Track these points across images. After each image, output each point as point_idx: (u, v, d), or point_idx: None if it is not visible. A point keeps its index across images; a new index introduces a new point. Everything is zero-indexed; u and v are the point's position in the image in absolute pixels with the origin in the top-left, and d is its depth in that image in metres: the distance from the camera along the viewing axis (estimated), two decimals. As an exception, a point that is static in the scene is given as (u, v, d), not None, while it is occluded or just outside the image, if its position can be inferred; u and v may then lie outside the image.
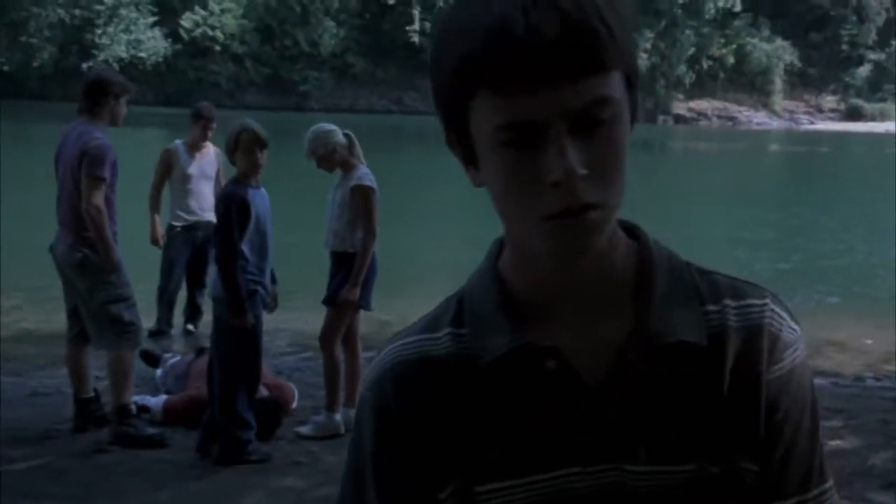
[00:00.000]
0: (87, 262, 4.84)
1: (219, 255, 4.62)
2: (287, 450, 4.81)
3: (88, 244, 4.82)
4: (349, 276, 5.06)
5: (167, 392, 5.50)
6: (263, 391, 5.07)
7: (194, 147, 7.15)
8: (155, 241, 7.13)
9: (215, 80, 53.66)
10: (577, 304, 0.91)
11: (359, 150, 5.30)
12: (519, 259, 0.93)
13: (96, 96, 4.92)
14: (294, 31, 56.30)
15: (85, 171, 4.76)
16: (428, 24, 56.19)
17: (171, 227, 7.16)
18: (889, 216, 14.41)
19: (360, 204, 5.09)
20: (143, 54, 51.63)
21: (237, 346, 4.64)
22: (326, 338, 5.21)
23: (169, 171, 7.13)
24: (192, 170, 7.12)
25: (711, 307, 0.93)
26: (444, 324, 0.94)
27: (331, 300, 5.16)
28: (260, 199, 4.71)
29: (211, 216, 7.37)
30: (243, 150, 4.64)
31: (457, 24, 0.85)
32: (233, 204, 4.59)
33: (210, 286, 4.79)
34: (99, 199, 4.76)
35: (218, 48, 54.19)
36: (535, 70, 0.81)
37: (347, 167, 5.20)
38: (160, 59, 51.96)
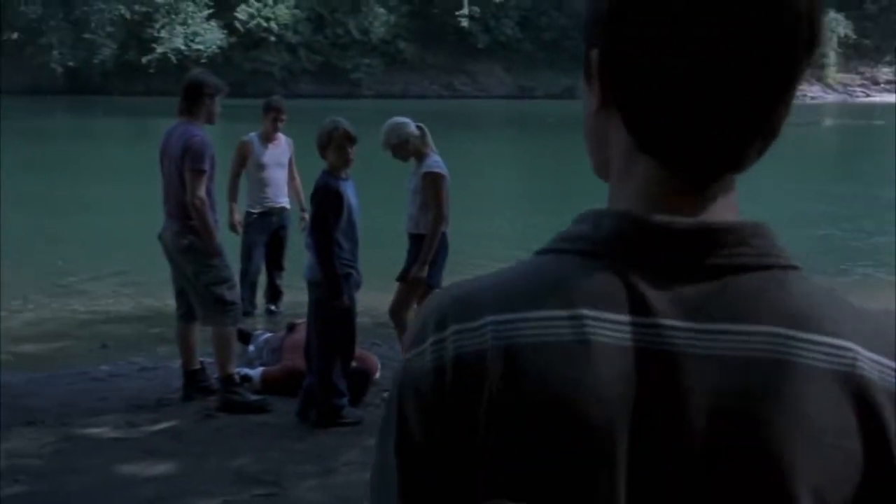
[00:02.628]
0: (192, 247, 5.35)
1: (317, 244, 5.00)
2: (376, 413, 5.26)
3: (193, 231, 5.32)
4: None
5: (262, 364, 6.01)
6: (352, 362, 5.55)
7: (267, 138, 7.60)
8: (233, 227, 7.54)
9: (269, 71, 54.47)
10: None
11: (430, 139, 5.76)
12: None
13: (193, 97, 5.40)
14: (345, 19, 56.87)
15: (188, 166, 5.26)
16: (477, 9, 56.24)
17: (248, 214, 7.59)
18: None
19: (430, 189, 5.57)
20: (200, 47, 52.72)
21: (334, 324, 5.06)
22: (395, 311, 5.71)
23: (244, 162, 7.61)
24: (266, 159, 7.57)
25: None
26: None
27: (402, 277, 5.67)
28: (350, 190, 5.14)
29: (285, 202, 7.85)
30: (336, 146, 5.07)
31: None
32: (328, 196, 5.00)
33: (306, 270, 5.21)
34: (202, 190, 5.27)
35: (272, 39, 55.04)
36: None
37: (420, 156, 5.68)
38: (216, 51, 52.99)
